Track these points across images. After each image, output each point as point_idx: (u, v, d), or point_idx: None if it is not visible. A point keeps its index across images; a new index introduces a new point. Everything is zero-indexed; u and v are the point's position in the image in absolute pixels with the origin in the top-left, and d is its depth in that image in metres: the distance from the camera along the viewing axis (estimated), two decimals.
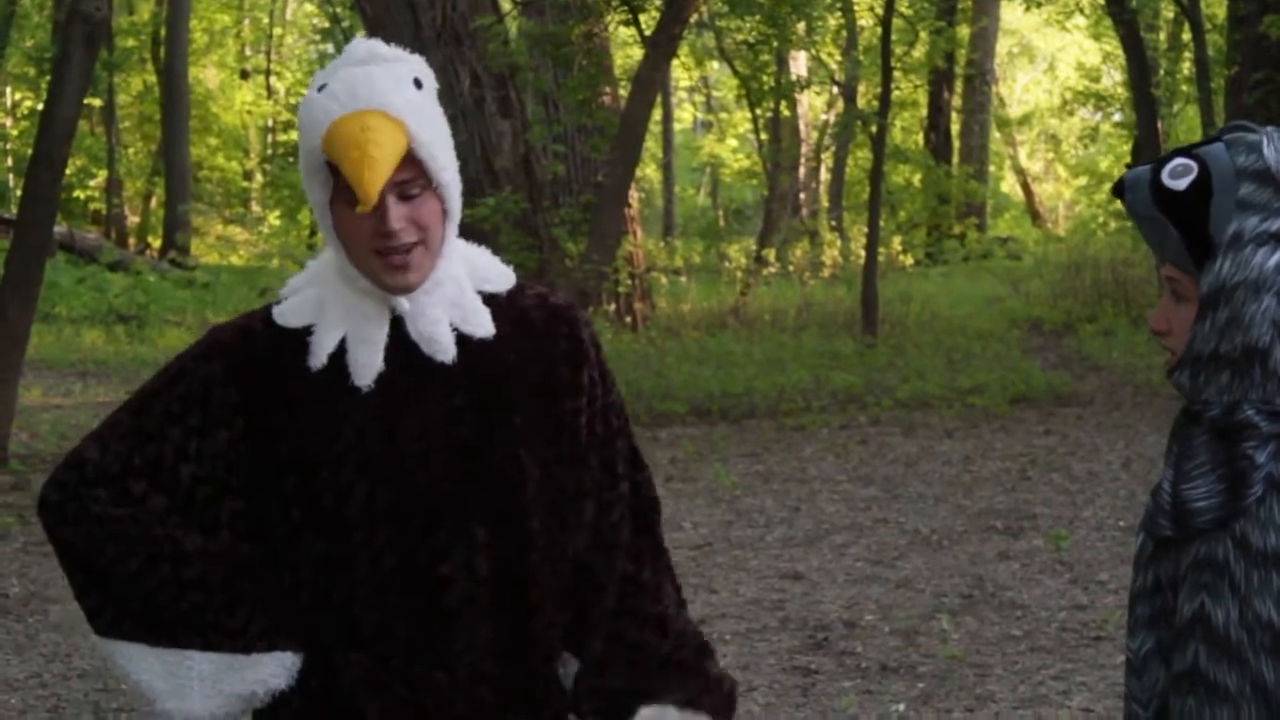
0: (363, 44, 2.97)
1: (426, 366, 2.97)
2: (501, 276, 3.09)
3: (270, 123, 44.69)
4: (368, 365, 2.95)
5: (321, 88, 2.91)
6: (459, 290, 3.01)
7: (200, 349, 3.03)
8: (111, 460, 2.99)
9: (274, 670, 2.97)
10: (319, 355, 2.96)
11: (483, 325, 3.01)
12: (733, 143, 43.27)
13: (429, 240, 2.93)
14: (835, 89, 30.18)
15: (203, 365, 3.00)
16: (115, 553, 2.95)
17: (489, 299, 3.05)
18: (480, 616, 2.96)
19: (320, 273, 3.04)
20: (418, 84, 2.94)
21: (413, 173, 2.88)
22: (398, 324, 2.98)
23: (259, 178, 43.80)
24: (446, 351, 2.97)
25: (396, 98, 2.87)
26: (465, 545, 2.95)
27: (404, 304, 2.96)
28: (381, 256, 2.89)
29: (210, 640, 2.96)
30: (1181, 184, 2.62)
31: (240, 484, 2.98)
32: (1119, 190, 2.71)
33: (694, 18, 19.69)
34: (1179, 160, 2.65)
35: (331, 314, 2.98)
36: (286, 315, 3.01)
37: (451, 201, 2.96)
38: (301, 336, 2.98)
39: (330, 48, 41.75)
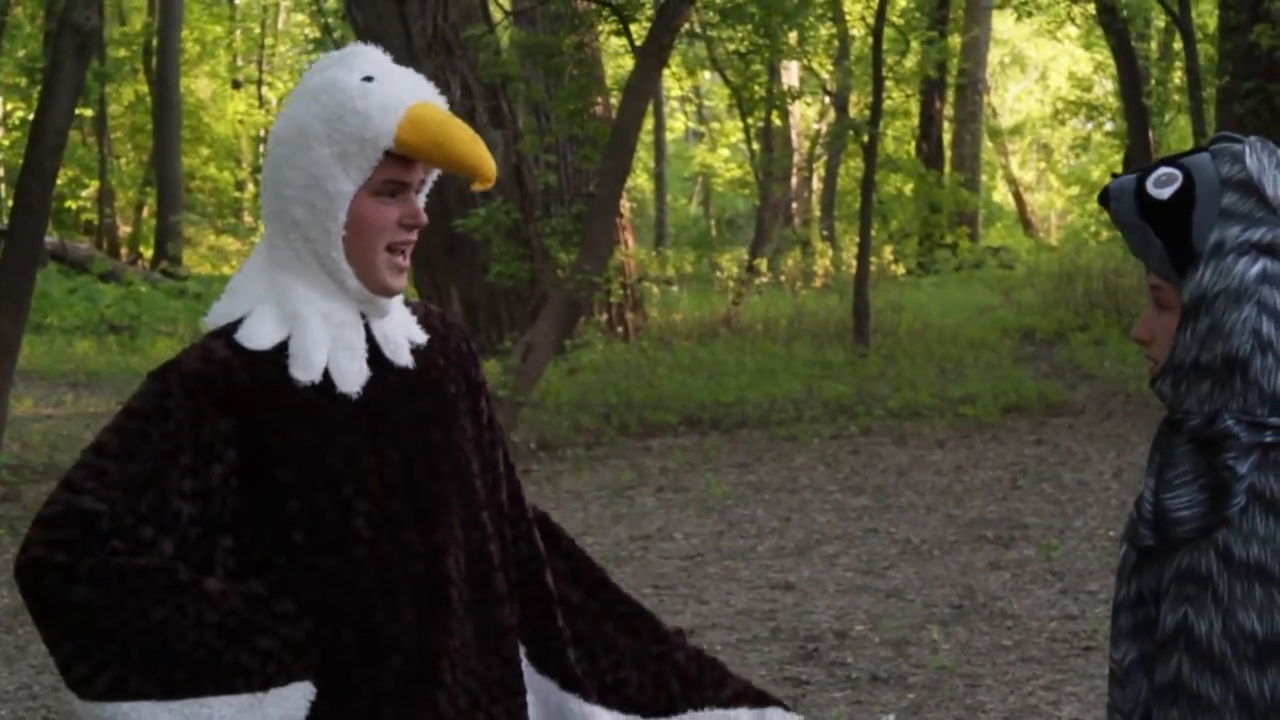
0: (367, 48, 3.03)
1: (389, 373, 3.02)
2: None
3: (262, 132, 44.65)
4: (355, 373, 2.97)
5: (368, 78, 2.93)
6: (398, 301, 3.08)
7: (174, 385, 2.92)
8: (122, 510, 2.84)
9: (297, 703, 2.90)
10: (313, 371, 2.94)
11: (416, 333, 3.09)
12: (724, 152, 43.24)
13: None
14: (827, 99, 30.23)
15: (187, 401, 2.90)
16: (137, 605, 2.81)
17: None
18: (467, 611, 3.02)
19: (267, 291, 2.99)
20: None
21: (426, 174, 2.98)
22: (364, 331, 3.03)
23: (251, 188, 43.76)
24: (405, 356, 3.04)
25: (441, 100, 2.99)
26: (454, 544, 3.01)
27: (386, 306, 3.01)
28: (392, 253, 2.95)
29: (226, 683, 2.84)
30: (1165, 193, 2.63)
31: (231, 519, 2.92)
32: (1104, 198, 2.72)
33: (685, 27, 19.69)
34: (1164, 170, 2.65)
35: (309, 325, 2.95)
36: (252, 339, 2.95)
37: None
38: (276, 355, 2.95)
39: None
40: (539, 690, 3.19)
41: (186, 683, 2.83)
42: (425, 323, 3.13)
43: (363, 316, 3.01)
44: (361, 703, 2.94)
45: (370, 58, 3.00)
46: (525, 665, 3.18)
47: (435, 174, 3.02)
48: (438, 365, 3.10)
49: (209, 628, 2.84)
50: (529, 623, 3.19)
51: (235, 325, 2.97)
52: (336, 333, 2.97)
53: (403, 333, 3.05)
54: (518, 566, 3.19)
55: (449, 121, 2.90)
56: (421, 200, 3.04)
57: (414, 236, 2.97)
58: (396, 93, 2.91)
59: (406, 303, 3.13)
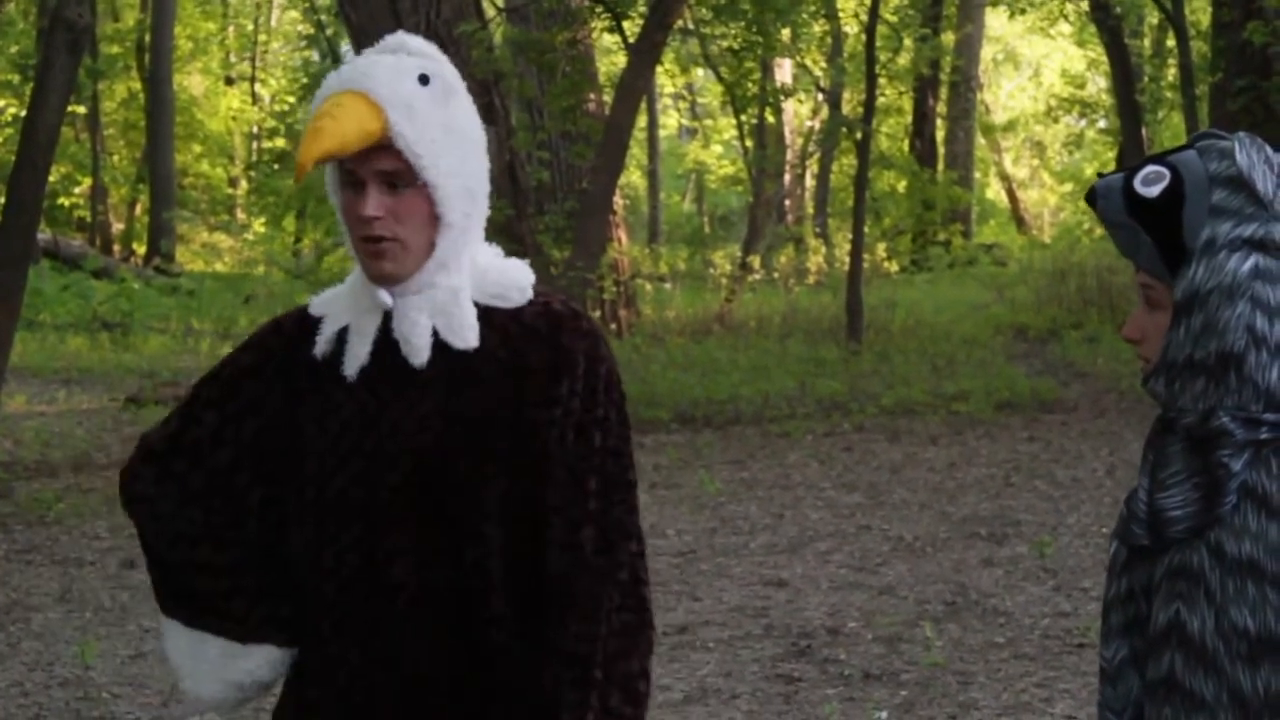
0: (397, 35, 3.01)
1: (406, 369, 2.96)
2: (518, 291, 3.03)
3: (255, 129, 44.64)
4: (355, 356, 2.98)
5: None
6: (452, 299, 2.96)
7: (250, 339, 3.14)
8: (159, 440, 3.11)
9: (259, 663, 3.04)
10: (322, 344, 3.01)
11: (465, 337, 2.96)
12: (718, 149, 43.31)
13: (406, 239, 2.91)
14: (820, 95, 30.21)
15: (241, 355, 3.12)
16: (149, 531, 3.10)
17: (490, 310, 3.00)
18: (435, 622, 2.93)
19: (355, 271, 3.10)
20: (424, 80, 2.92)
21: (400, 165, 2.87)
22: (385, 322, 2.98)
23: (244, 184, 43.74)
24: (419, 354, 2.94)
25: (386, 86, 2.87)
26: (421, 550, 2.93)
27: (386, 298, 2.95)
28: (364, 244, 2.92)
29: (219, 626, 3.05)
30: (1154, 191, 2.62)
31: (266, 472, 3.05)
32: (1091, 198, 2.71)
33: (678, 24, 19.69)
34: (1151, 168, 2.64)
35: (342, 304, 3.03)
36: (314, 305, 3.09)
37: (443, 205, 2.92)
38: (317, 326, 3.05)
39: (315, 54, 41.67)
40: None
41: (198, 616, 3.07)
42: (512, 325, 3.00)
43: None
44: (308, 685, 3.03)
45: (383, 45, 3.00)
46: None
47: (433, 170, 2.89)
48: (478, 372, 2.97)
49: (199, 568, 3.08)
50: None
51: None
52: (356, 315, 3.00)
53: (426, 331, 2.94)
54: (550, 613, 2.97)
55: (320, 114, 2.86)
56: (443, 194, 2.91)
57: (373, 230, 2.88)
58: (331, 81, 2.93)
59: (535, 300, 3.03)
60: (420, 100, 2.90)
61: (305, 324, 3.06)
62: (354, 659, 2.95)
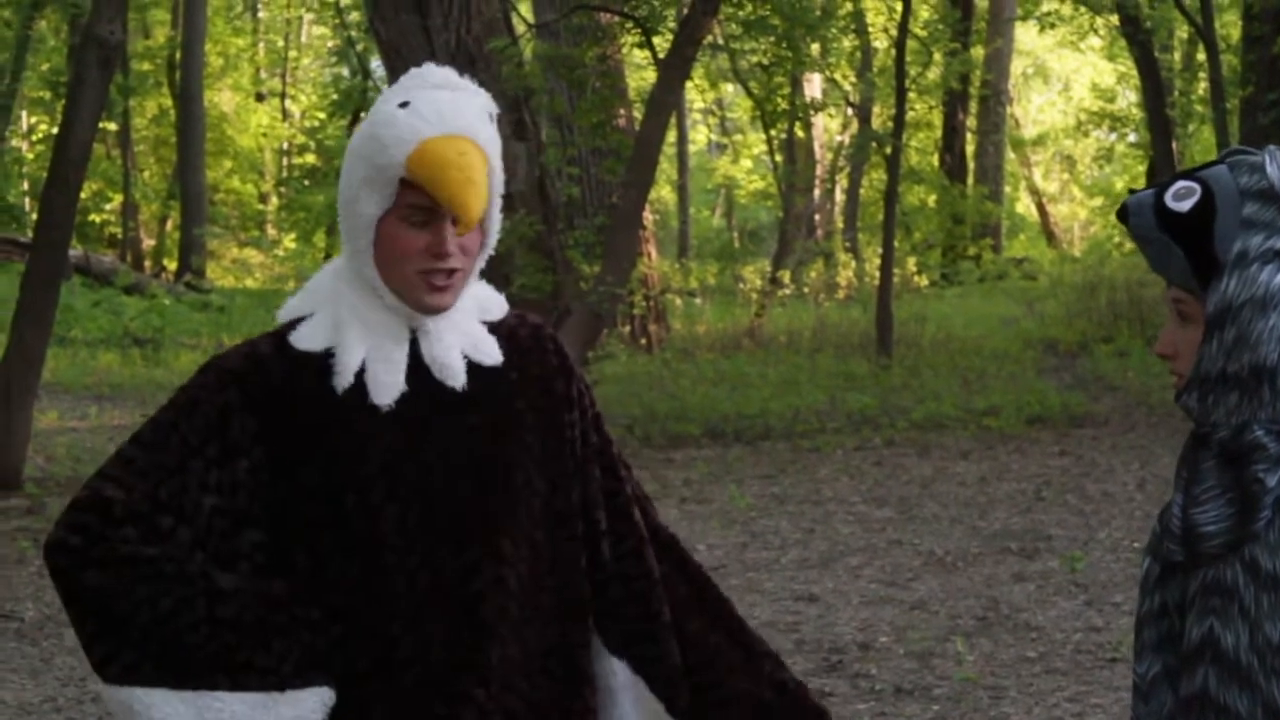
0: (436, 70, 3.03)
1: (440, 390, 3.01)
2: (498, 306, 3.16)
3: (285, 145, 44.78)
4: (389, 384, 2.97)
5: (404, 104, 2.94)
6: (467, 320, 3.07)
7: (210, 378, 3.00)
8: (138, 498, 2.92)
9: (312, 706, 2.93)
10: (345, 376, 2.97)
11: (490, 354, 3.07)
12: (747, 164, 43.32)
13: (468, 269, 3.00)
14: (850, 110, 30.22)
15: (217, 394, 2.97)
16: (147, 593, 2.88)
17: (485, 325, 3.12)
18: (511, 630, 3.00)
19: (330, 294, 3.05)
20: (490, 118, 3.01)
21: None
22: (413, 347, 3.01)
23: (274, 200, 43.90)
24: (457, 377, 3.01)
25: (483, 130, 2.96)
26: (495, 560, 2.99)
27: (428, 324, 2.99)
28: (425, 276, 2.94)
29: (240, 680, 2.89)
30: (1185, 205, 2.62)
31: (260, 514, 2.96)
32: (1123, 214, 2.72)
33: (708, 39, 19.69)
34: (1182, 183, 2.65)
35: (351, 334, 2.99)
36: (303, 340, 3.01)
37: (491, 236, 3.05)
38: (321, 359, 2.99)
39: (345, 71, 41.79)
40: (648, 708, 3.17)
41: (199, 675, 2.89)
42: (511, 337, 3.12)
43: (413, 332, 3.01)
44: (379, 713, 2.96)
45: (428, 79, 3.01)
46: (635, 682, 3.16)
47: (495, 207, 3.03)
48: (507, 382, 3.07)
49: (221, 623, 2.90)
50: (635, 642, 3.15)
51: (294, 324, 3.04)
52: (377, 343, 2.98)
53: (459, 353, 3.02)
54: (624, 585, 3.16)
55: (451, 161, 2.88)
56: (494, 226, 3.05)
57: (446, 264, 2.93)
58: (419, 123, 2.91)
59: (505, 320, 3.14)
60: (496, 143, 3.00)
61: (297, 358, 2.99)
62: (441, 677, 2.95)
